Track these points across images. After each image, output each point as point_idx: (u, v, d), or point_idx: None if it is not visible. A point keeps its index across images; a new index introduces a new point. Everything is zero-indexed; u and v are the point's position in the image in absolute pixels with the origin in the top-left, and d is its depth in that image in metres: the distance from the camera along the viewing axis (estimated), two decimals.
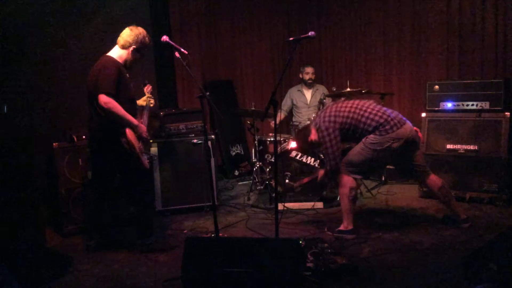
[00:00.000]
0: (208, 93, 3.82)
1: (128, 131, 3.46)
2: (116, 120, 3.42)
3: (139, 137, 3.57)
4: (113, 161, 3.59)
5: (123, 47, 3.56)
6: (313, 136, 3.82)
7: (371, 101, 3.79)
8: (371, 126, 3.62)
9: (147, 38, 3.61)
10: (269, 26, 6.87)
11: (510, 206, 4.31)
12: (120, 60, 3.55)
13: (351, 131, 3.69)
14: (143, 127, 3.63)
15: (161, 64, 5.68)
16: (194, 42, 6.14)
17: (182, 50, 3.37)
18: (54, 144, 4.08)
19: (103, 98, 3.32)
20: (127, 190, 3.71)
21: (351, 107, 3.72)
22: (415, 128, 3.74)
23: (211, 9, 6.36)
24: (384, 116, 3.63)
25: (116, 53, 3.57)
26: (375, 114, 3.65)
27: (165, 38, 3.37)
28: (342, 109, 3.72)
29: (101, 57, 3.56)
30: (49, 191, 4.27)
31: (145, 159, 3.66)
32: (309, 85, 5.83)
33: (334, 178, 3.95)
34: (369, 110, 3.68)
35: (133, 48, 3.56)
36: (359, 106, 3.71)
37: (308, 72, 5.78)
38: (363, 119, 3.64)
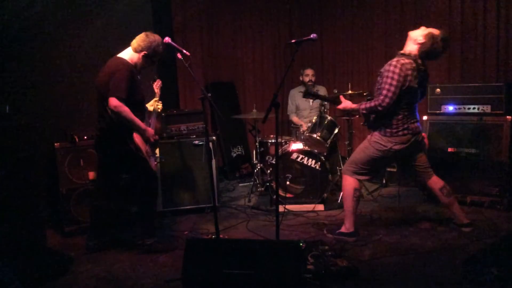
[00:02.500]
0: (209, 94, 3.83)
1: (136, 135, 3.49)
2: (124, 123, 3.43)
3: (147, 140, 3.59)
4: (119, 162, 3.60)
5: (135, 50, 3.56)
6: (343, 104, 3.84)
7: None
8: (396, 112, 3.54)
9: (160, 47, 3.59)
10: (271, 28, 6.89)
11: (511, 210, 4.30)
12: (131, 62, 3.55)
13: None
14: (151, 131, 3.64)
15: (163, 65, 5.68)
16: (196, 44, 6.16)
17: (184, 51, 3.38)
18: (55, 144, 4.09)
19: (114, 102, 3.32)
20: (132, 191, 3.71)
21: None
22: (423, 134, 3.74)
23: (213, 11, 6.37)
24: (409, 116, 3.59)
25: (128, 55, 3.57)
26: (413, 101, 3.59)
27: (167, 39, 3.39)
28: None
29: (113, 58, 3.56)
30: (50, 191, 4.27)
31: (153, 162, 3.68)
32: (309, 87, 5.84)
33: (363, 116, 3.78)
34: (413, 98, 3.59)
35: (144, 53, 3.54)
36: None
37: (308, 74, 5.79)
38: (406, 99, 3.53)
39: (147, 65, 3.65)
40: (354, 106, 3.77)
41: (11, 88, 4.13)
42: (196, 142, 4.64)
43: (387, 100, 3.44)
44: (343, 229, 3.79)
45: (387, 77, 3.45)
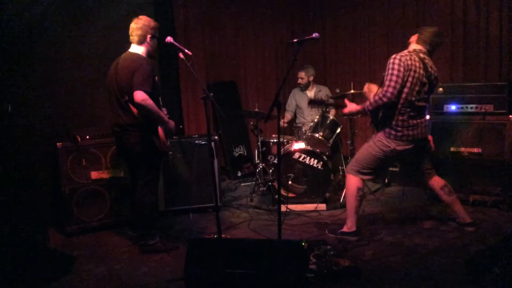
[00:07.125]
0: (211, 94, 3.83)
1: (160, 130, 3.53)
2: (149, 117, 3.43)
3: (168, 133, 3.65)
4: (143, 159, 3.57)
5: (141, 42, 3.55)
6: (349, 108, 3.84)
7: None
8: (401, 112, 3.52)
9: (152, 22, 3.60)
10: (273, 27, 6.88)
11: None
12: (146, 56, 3.57)
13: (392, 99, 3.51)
14: (173, 123, 3.67)
15: (165, 64, 5.69)
16: (198, 43, 6.16)
17: (186, 51, 3.37)
18: (58, 144, 4.09)
19: (141, 95, 3.29)
20: (141, 187, 3.66)
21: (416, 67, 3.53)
22: (429, 136, 3.73)
23: (215, 10, 6.37)
24: (416, 117, 3.58)
25: (139, 50, 3.56)
26: (421, 100, 3.57)
27: (169, 39, 3.38)
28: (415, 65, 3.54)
29: (131, 55, 3.52)
30: (53, 190, 4.28)
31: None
32: (301, 89, 5.84)
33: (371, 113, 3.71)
34: (421, 95, 3.57)
35: (149, 37, 3.55)
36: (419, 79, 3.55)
37: (300, 77, 5.78)
38: (411, 95, 3.51)
39: (156, 45, 3.66)
40: (359, 107, 3.75)
41: (14, 88, 4.14)
42: (198, 141, 4.65)
43: (390, 89, 3.44)
44: (345, 229, 3.79)
45: (388, 69, 3.50)
